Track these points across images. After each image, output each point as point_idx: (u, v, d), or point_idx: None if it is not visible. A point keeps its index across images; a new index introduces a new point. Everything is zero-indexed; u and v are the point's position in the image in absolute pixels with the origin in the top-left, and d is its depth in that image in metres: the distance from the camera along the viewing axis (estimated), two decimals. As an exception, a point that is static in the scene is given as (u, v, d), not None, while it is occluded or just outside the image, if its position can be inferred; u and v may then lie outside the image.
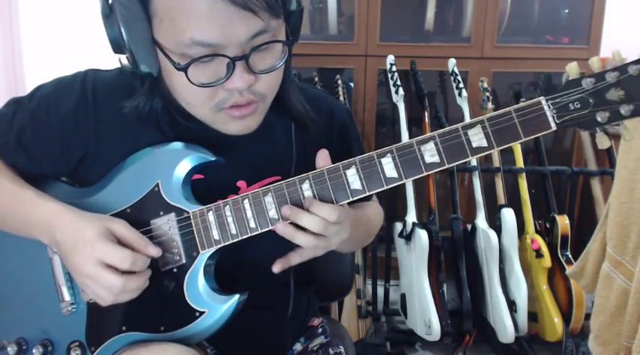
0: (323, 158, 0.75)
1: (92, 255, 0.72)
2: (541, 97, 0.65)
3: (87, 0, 2.31)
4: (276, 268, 0.79)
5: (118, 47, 0.74)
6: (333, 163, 0.74)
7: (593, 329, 1.08)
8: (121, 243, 0.74)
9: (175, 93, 0.77)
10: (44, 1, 2.35)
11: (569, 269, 1.23)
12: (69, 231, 0.75)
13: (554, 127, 0.65)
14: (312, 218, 0.72)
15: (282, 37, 0.75)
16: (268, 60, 0.73)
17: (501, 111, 0.67)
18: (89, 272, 0.73)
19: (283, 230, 0.74)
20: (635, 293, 0.95)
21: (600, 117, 0.63)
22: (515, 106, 0.66)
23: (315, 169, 0.75)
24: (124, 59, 0.82)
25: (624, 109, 0.62)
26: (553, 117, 0.65)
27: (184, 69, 0.69)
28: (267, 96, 0.78)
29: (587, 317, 1.91)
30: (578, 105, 0.64)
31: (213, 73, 0.71)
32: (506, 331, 1.82)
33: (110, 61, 0.88)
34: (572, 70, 0.64)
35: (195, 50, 0.69)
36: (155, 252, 0.76)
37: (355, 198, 0.73)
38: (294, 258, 0.79)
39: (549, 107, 0.65)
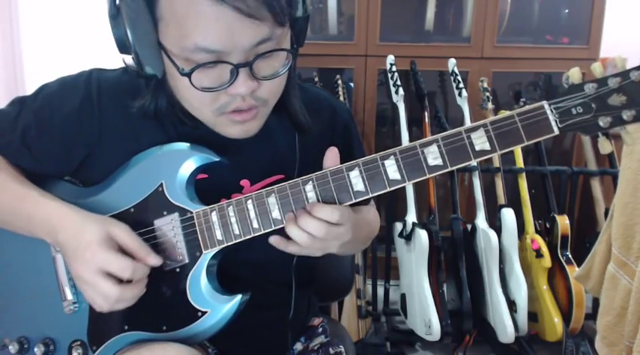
0: (332, 157, 0.75)
1: (92, 261, 0.72)
2: (544, 102, 0.66)
3: (87, 0, 2.31)
4: (273, 239, 0.77)
5: (123, 47, 0.74)
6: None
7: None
8: (121, 249, 0.74)
9: (178, 96, 0.78)
10: (44, 1, 2.35)
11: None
12: (71, 232, 0.75)
13: (556, 132, 0.66)
14: (313, 222, 0.72)
15: (286, 44, 0.75)
16: (272, 66, 0.74)
17: (504, 115, 0.67)
18: (87, 278, 0.73)
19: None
20: (636, 293, 0.95)
21: (602, 122, 0.64)
22: (518, 110, 0.67)
23: (322, 168, 0.75)
24: (127, 59, 0.82)
25: (626, 114, 0.62)
26: (556, 121, 0.65)
27: (188, 74, 0.70)
28: (269, 101, 0.78)
29: (587, 317, 1.92)
30: (581, 110, 0.64)
31: (216, 78, 0.71)
32: (506, 331, 1.82)
33: (110, 61, 0.88)
34: (574, 75, 0.65)
35: (200, 56, 0.69)
36: (156, 261, 0.76)
37: (358, 200, 0.73)
38: (292, 248, 0.77)
39: (552, 111, 0.65)
